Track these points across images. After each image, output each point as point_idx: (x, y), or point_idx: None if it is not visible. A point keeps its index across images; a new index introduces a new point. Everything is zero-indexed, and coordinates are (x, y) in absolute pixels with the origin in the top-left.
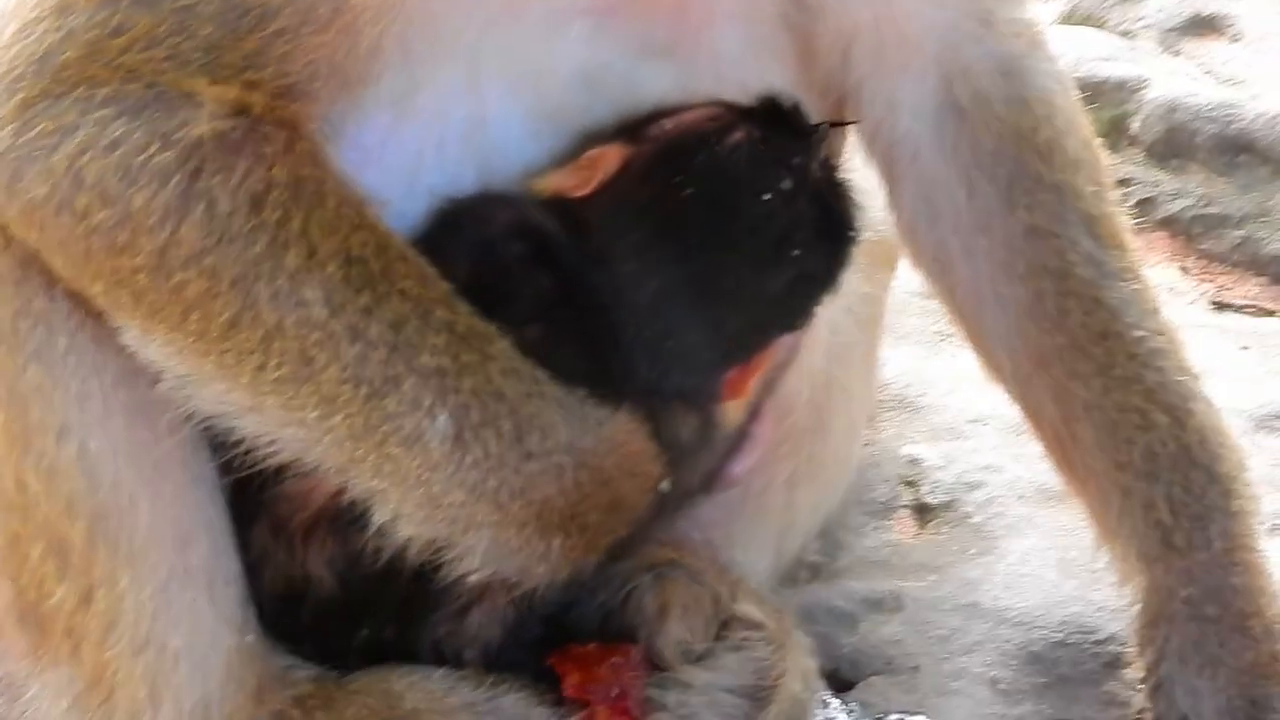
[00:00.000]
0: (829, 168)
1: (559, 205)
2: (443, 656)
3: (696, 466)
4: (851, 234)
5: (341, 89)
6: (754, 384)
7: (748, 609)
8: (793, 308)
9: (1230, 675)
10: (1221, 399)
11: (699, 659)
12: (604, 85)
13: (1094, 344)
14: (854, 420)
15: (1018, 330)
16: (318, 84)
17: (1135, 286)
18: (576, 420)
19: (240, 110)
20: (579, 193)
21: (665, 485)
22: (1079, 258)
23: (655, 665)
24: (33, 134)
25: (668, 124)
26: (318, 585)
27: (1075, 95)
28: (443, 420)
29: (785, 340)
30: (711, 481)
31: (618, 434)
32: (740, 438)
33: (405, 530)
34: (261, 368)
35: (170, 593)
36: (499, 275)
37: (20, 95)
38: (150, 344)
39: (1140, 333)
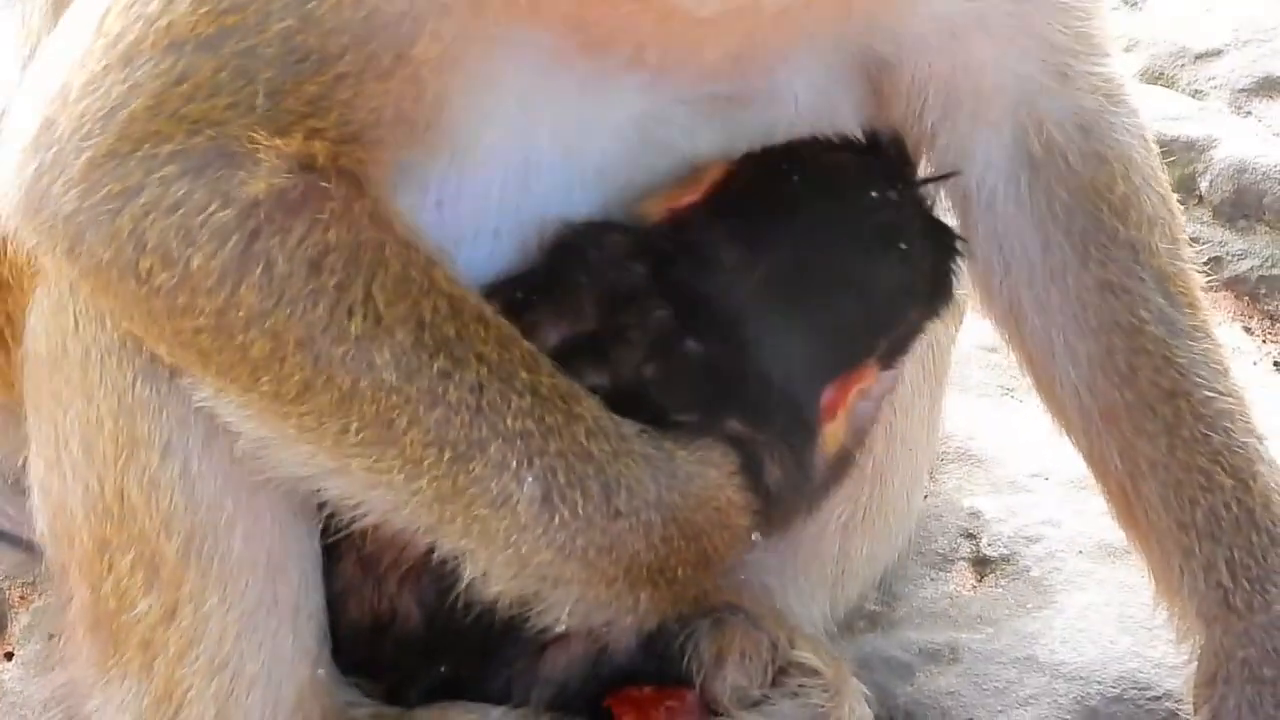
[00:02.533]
0: (932, 207)
1: (669, 222)
2: (509, 693)
3: (793, 509)
4: (958, 250)
5: (408, 135)
6: (851, 404)
7: (805, 656)
8: (893, 319)
9: None
10: None
11: (755, 705)
12: (659, 134)
13: (1162, 402)
14: (915, 471)
15: (1087, 384)
16: (383, 130)
17: (1206, 346)
18: (665, 476)
19: (304, 164)
20: (688, 200)
21: (756, 536)
22: (1151, 315)
23: (711, 710)
24: (99, 196)
25: (774, 145)
26: (404, 620)
27: (1154, 151)
28: (530, 483)
29: (885, 375)
30: (816, 509)
31: (707, 488)
32: (844, 465)
33: (494, 587)
34: (344, 430)
35: (257, 618)
36: (623, 302)
37: (87, 154)
38: (226, 404)
39: (1209, 393)
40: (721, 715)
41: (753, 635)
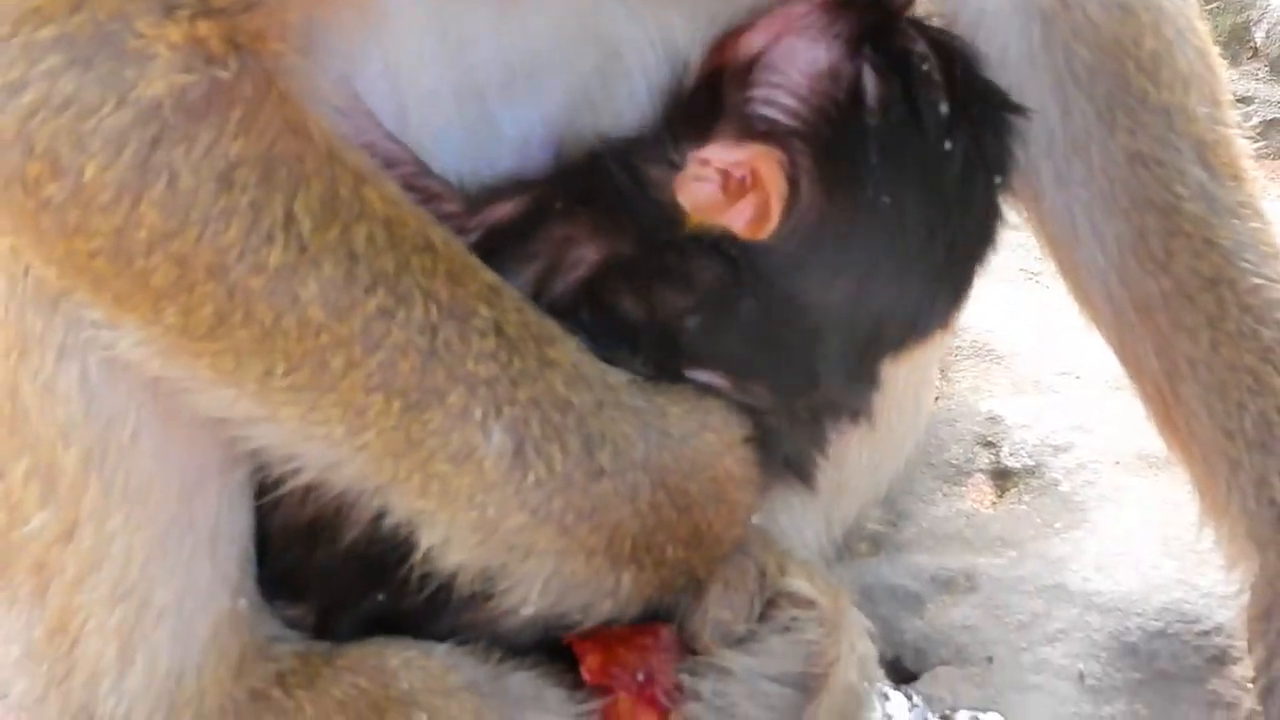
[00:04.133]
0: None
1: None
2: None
3: (810, 477)
4: (1008, 108)
5: None
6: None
7: (798, 585)
8: (989, 229)
9: None
10: None
11: (740, 642)
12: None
13: (1203, 291)
14: (923, 367)
15: (1117, 271)
16: None
17: (1253, 225)
18: (656, 434)
19: (203, 53)
20: (759, 235)
21: (757, 518)
22: (1188, 190)
23: (689, 648)
24: None
25: (784, 99)
26: (346, 528)
27: None
28: (498, 435)
29: None
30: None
31: (704, 453)
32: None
33: (455, 556)
34: (268, 373)
35: (168, 542)
36: (666, 237)
37: None
38: (125, 338)
39: (1256, 280)
40: (702, 654)
41: (737, 562)
